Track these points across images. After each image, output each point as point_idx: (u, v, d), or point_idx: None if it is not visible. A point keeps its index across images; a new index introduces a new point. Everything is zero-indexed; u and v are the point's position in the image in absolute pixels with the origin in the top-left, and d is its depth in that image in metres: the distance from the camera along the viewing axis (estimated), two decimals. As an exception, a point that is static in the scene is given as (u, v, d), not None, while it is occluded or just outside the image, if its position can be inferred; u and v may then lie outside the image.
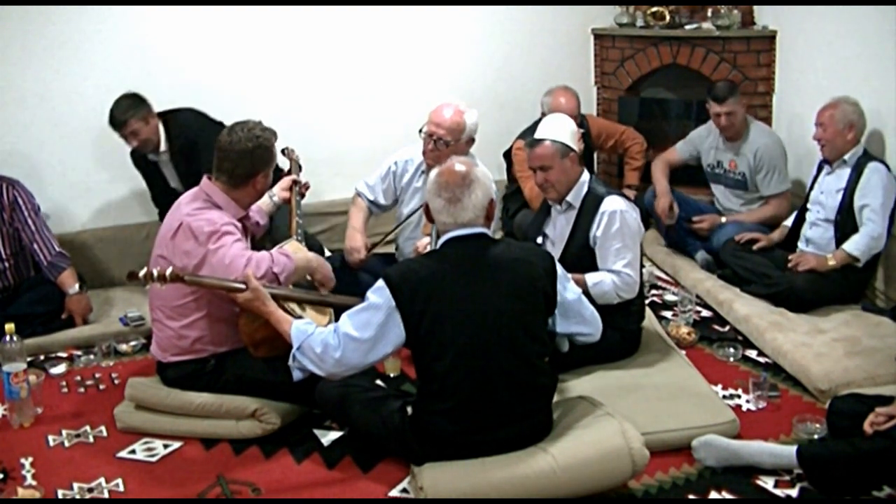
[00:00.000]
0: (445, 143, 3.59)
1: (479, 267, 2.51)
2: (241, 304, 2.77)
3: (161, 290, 2.99)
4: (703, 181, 4.73)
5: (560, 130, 3.27)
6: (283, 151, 3.69)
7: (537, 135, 3.31)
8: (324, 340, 2.53)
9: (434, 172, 2.61)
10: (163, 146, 4.10)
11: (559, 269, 2.65)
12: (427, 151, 3.67)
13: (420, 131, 3.67)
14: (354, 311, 2.53)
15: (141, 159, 4.20)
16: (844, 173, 3.78)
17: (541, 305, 2.59)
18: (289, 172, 3.71)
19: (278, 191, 3.51)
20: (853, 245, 3.64)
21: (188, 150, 4.04)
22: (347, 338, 2.50)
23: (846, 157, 3.79)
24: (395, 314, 2.46)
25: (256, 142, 2.99)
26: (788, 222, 4.13)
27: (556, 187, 3.28)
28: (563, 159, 3.24)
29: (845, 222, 3.74)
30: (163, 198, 4.17)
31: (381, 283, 2.49)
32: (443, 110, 3.61)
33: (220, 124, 3.93)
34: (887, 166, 3.73)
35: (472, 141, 3.70)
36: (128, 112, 3.96)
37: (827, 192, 3.85)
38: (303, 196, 3.55)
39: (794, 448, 2.63)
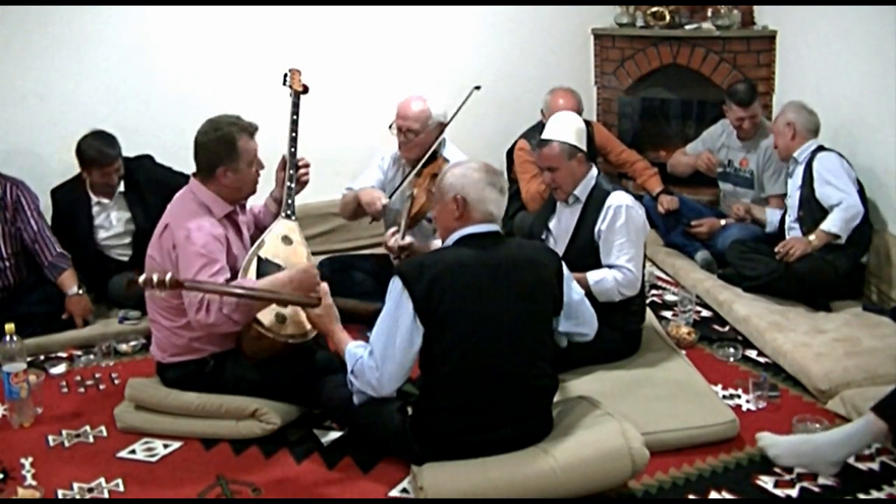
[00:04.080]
0: (415, 132, 3.70)
1: (493, 266, 2.51)
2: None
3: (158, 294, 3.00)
4: (703, 181, 4.74)
5: (567, 130, 3.28)
6: (283, 79, 3.53)
7: (545, 135, 3.32)
8: (367, 363, 2.55)
9: (472, 165, 2.59)
10: (121, 187, 3.99)
11: (566, 270, 2.66)
12: (401, 145, 3.77)
13: (390, 127, 3.75)
14: (379, 324, 2.52)
15: (75, 203, 4.00)
16: (800, 171, 3.88)
17: (549, 308, 2.60)
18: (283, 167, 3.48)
19: (276, 188, 3.38)
20: (829, 223, 3.67)
21: (153, 186, 3.95)
22: (382, 351, 2.50)
23: (795, 154, 3.91)
24: (413, 311, 2.45)
25: (215, 135, 2.98)
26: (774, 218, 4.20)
27: (563, 188, 3.30)
28: (571, 160, 3.25)
29: (806, 215, 3.80)
30: (75, 247, 3.95)
31: (395, 281, 2.48)
32: (409, 102, 3.73)
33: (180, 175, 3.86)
34: (840, 154, 3.81)
35: (441, 126, 3.75)
36: (115, 149, 3.89)
37: (791, 195, 3.95)
38: (301, 182, 3.33)
39: (861, 419, 2.62)
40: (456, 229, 2.58)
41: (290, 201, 3.25)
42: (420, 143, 3.71)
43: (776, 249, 3.76)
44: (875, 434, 2.59)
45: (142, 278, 2.67)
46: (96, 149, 3.87)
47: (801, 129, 3.89)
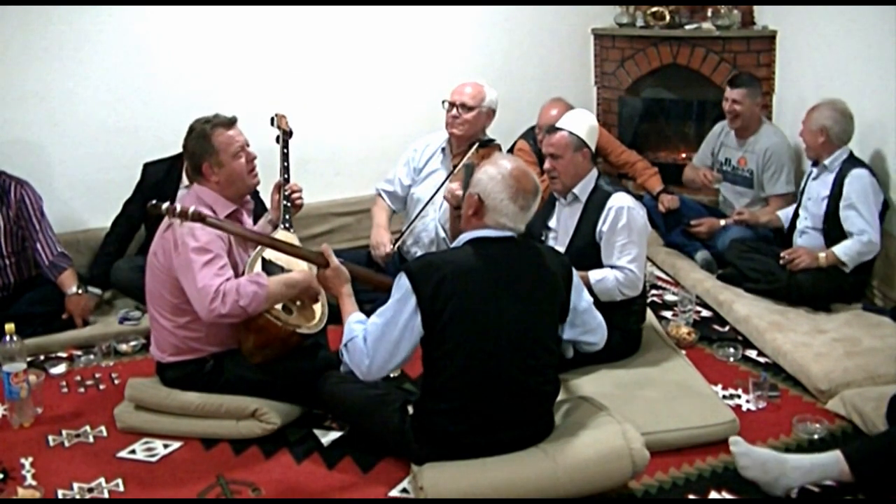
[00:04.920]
0: (467, 108, 3.85)
1: (502, 271, 2.50)
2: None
3: (155, 290, 3.00)
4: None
5: (580, 124, 3.31)
6: (271, 121, 3.63)
7: (558, 123, 3.35)
8: (360, 347, 2.53)
9: (506, 170, 2.51)
10: None
11: (575, 277, 2.66)
12: (450, 120, 3.91)
13: (443, 103, 3.90)
14: (380, 314, 2.52)
15: (164, 180, 4.01)
16: (828, 180, 3.80)
17: (555, 314, 2.60)
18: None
19: (271, 210, 3.41)
20: (843, 249, 3.65)
21: None
22: (375, 341, 2.50)
23: (826, 162, 3.82)
24: (416, 309, 2.45)
25: (190, 136, 3.02)
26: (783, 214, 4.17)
27: (561, 178, 3.30)
28: (575, 152, 3.26)
29: (832, 229, 3.76)
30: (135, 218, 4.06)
31: (402, 278, 2.48)
32: (464, 84, 3.98)
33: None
34: (872, 171, 3.73)
35: (492, 113, 3.94)
36: None
37: (813, 199, 3.89)
38: (296, 205, 3.39)
39: (832, 453, 2.59)
40: (470, 227, 2.57)
41: (286, 216, 3.32)
42: (468, 122, 3.87)
43: (781, 255, 3.76)
44: (840, 473, 2.55)
45: (165, 205, 2.71)
46: None
47: (833, 136, 3.77)
